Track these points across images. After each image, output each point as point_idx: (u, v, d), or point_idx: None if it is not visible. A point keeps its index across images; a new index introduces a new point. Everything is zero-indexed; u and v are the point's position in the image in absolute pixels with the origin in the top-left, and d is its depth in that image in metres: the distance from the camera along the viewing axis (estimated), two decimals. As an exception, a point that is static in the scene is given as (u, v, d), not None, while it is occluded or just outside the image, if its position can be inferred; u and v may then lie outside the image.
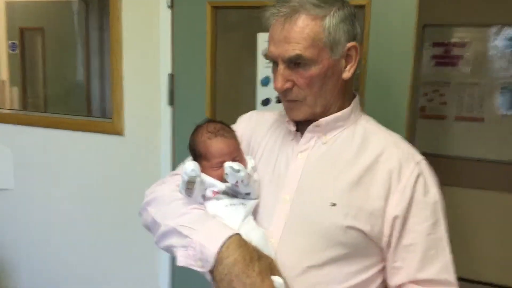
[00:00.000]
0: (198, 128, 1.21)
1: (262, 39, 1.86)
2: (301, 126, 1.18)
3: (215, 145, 1.15)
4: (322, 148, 1.14)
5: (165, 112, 2.02)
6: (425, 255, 1.05)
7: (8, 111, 2.55)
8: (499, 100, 3.21)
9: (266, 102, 1.89)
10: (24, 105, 3.22)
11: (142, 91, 2.04)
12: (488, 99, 3.24)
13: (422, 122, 3.38)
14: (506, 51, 3.17)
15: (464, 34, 3.26)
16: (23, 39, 3.37)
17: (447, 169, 3.09)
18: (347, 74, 1.11)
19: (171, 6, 1.93)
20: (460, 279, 1.09)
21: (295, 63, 1.07)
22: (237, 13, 1.93)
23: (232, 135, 1.20)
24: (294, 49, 1.05)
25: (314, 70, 1.06)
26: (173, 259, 2.09)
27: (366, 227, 1.04)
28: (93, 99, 3.57)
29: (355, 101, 1.17)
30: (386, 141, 1.12)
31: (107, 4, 3.48)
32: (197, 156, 1.19)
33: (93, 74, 3.56)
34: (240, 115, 1.37)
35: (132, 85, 2.05)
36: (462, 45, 3.25)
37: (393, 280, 1.09)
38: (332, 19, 1.05)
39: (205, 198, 1.13)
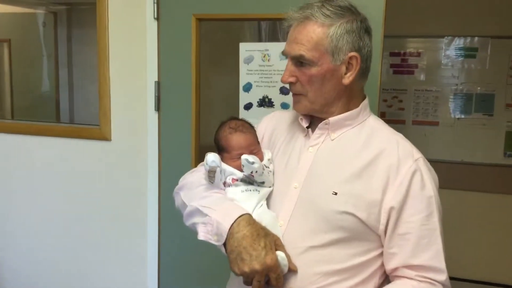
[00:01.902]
0: (222, 124, 1.36)
1: (244, 48, 2.00)
2: (313, 124, 1.32)
3: (235, 139, 1.30)
4: (330, 143, 1.27)
5: (152, 118, 2.11)
6: (418, 243, 1.17)
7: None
8: (452, 105, 3.49)
9: (248, 106, 2.03)
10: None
11: (129, 97, 2.13)
12: (442, 105, 3.50)
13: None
14: (457, 60, 3.45)
15: (418, 44, 3.51)
16: (-11, 50, 3.38)
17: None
18: (346, 80, 1.23)
19: (157, 18, 2.04)
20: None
21: (299, 61, 1.22)
22: (220, 24, 2.08)
23: (250, 131, 1.35)
24: (299, 49, 1.20)
25: (314, 70, 1.21)
26: (160, 262, 2.20)
27: (362, 215, 1.17)
28: (62, 109, 3.60)
29: (364, 103, 1.31)
30: (388, 139, 1.25)
31: (77, 16, 3.54)
32: (220, 149, 1.34)
33: (62, 85, 3.60)
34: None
35: (119, 92, 2.13)
36: (417, 54, 3.51)
37: (389, 265, 1.22)
38: (337, 29, 1.19)
39: (225, 184, 1.28)
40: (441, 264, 1.18)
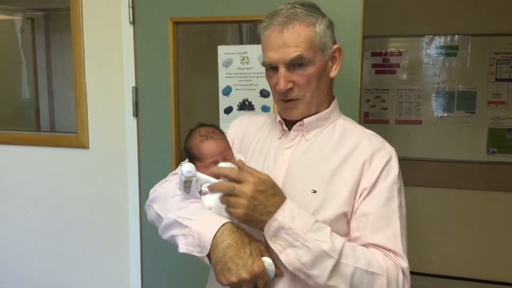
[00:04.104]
0: (191, 132, 1.33)
1: (222, 51, 1.97)
2: (287, 126, 1.32)
3: (207, 147, 1.27)
4: (305, 144, 1.28)
5: (130, 124, 2.07)
6: (375, 223, 1.17)
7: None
8: (434, 104, 3.49)
9: (228, 110, 2.00)
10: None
11: (106, 104, 2.09)
12: (424, 103, 3.50)
13: (366, 127, 3.59)
14: (438, 58, 3.45)
15: (399, 44, 3.51)
16: (-34, 58, 3.30)
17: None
18: (333, 73, 1.27)
19: (133, 23, 2.01)
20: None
21: (295, 64, 1.20)
22: (198, 27, 2.05)
23: (222, 137, 1.32)
24: (295, 51, 1.18)
25: (311, 70, 1.21)
26: (143, 269, 2.16)
27: (346, 208, 1.17)
28: (42, 117, 3.54)
29: (334, 103, 1.32)
30: (361, 136, 1.27)
31: (55, 22, 3.49)
32: (192, 157, 1.30)
33: (41, 92, 3.54)
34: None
35: (96, 99, 2.10)
36: (399, 54, 3.51)
37: None
38: (320, 26, 1.21)
39: (201, 192, 1.24)
40: (397, 247, 1.16)
